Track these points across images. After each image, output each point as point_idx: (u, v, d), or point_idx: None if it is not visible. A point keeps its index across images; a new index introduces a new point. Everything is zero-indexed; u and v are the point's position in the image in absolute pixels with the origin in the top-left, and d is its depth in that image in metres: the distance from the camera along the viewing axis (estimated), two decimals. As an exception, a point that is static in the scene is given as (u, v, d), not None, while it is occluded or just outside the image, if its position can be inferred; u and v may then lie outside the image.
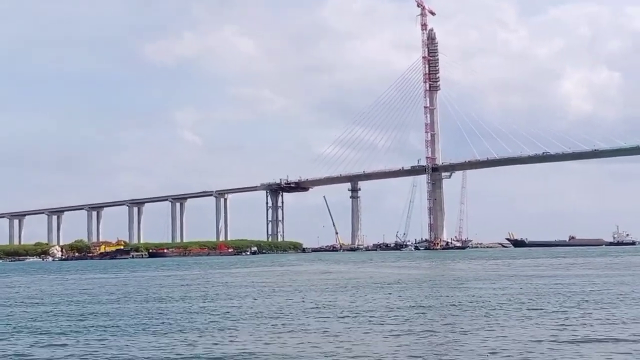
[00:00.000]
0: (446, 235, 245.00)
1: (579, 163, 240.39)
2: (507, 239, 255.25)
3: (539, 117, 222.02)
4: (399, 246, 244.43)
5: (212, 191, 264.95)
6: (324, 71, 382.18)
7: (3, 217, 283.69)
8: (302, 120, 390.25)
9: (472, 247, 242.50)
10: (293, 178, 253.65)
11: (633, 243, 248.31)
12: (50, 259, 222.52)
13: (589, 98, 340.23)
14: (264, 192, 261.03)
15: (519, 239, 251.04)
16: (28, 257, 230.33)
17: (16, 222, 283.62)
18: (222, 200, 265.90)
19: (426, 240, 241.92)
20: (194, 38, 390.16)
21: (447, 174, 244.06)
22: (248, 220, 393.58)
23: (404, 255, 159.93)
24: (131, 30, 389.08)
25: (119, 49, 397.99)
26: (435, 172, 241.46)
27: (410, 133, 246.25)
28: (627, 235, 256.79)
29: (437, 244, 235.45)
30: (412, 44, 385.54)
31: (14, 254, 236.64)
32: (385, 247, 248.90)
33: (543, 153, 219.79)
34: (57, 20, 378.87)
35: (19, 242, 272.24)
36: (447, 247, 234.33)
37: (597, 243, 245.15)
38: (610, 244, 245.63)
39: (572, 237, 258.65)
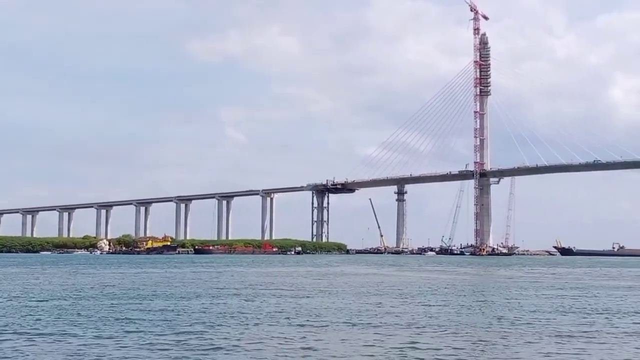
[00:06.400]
0: (492, 241, 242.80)
1: (630, 172, 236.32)
2: (554, 247, 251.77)
3: (589, 124, 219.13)
4: (444, 251, 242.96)
5: (258, 190, 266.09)
6: (369, 72, 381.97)
7: (53, 209, 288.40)
8: (346, 121, 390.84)
9: (518, 254, 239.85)
10: (339, 179, 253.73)
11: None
12: (98, 252, 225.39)
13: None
14: (310, 192, 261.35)
15: (566, 247, 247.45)
16: (76, 249, 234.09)
17: (66, 215, 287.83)
18: (268, 199, 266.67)
19: (472, 246, 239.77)
20: (240, 36, 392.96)
21: (495, 179, 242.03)
22: (293, 220, 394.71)
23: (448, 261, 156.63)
24: (178, 27, 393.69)
25: (166, 46, 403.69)
26: (483, 177, 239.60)
27: (456, 138, 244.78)
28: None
29: (483, 249, 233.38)
30: (457, 48, 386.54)
31: (63, 246, 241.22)
32: (430, 251, 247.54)
33: (594, 161, 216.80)
34: (105, 17, 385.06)
35: (68, 234, 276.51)
36: (493, 253, 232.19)
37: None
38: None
39: (621, 247, 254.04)
